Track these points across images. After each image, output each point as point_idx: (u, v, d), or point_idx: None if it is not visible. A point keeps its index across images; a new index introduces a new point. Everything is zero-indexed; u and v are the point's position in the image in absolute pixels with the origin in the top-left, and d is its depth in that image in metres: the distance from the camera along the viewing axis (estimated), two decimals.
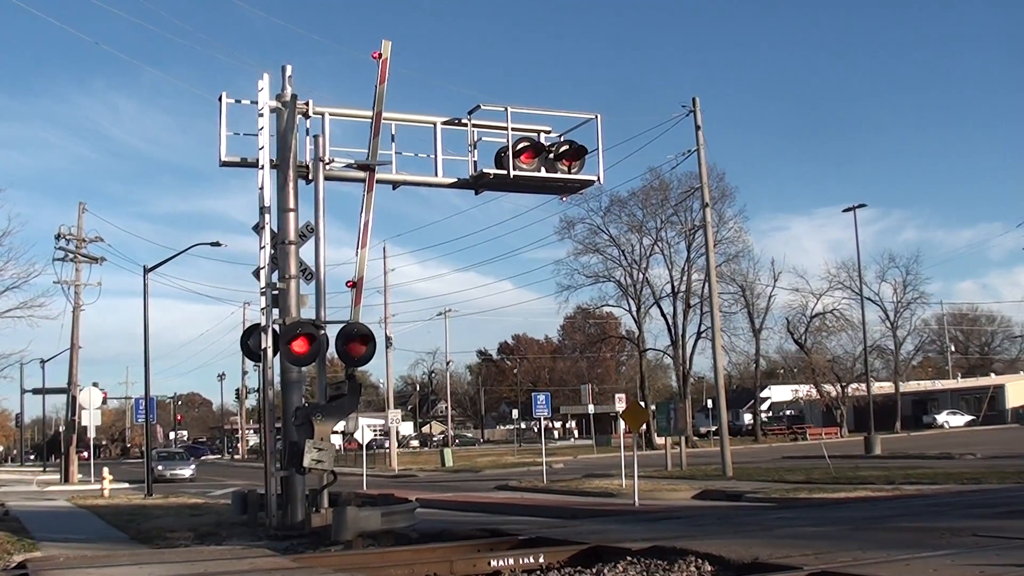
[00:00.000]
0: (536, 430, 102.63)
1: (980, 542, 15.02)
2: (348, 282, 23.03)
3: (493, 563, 15.56)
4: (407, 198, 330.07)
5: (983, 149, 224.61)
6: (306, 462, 20.20)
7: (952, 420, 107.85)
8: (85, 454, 65.67)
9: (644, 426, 40.58)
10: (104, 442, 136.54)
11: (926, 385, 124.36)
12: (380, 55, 22.04)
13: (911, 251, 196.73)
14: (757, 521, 22.39)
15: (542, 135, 24.81)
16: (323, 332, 21.83)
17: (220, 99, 22.78)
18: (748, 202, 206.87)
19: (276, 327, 22.52)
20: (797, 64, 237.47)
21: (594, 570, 14.50)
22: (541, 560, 15.73)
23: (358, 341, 21.76)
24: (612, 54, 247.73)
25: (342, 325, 22.15)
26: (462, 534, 20.49)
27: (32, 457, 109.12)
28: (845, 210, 69.51)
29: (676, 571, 14.03)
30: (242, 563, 16.61)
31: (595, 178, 25.13)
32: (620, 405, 47.16)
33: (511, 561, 15.62)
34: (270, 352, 22.40)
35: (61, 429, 76.93)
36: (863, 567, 12.83)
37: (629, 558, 14.96)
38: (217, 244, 54.08)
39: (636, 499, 30.97)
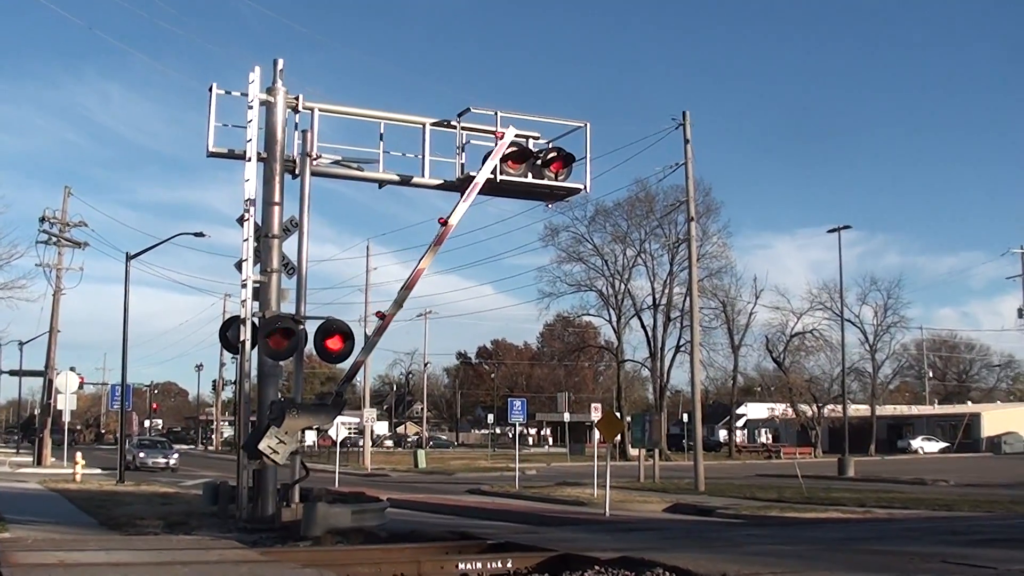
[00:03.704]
0: (511, 436, 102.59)
1: (948, 569, 15.04)
2: (377, 312, 23.02)
3: (461, 566, 15.54)
4: (392, 198, 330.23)
5: (969, 178, 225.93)
6: (262, 445, 20.02)
7: (927, 446, 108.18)
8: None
9: (619, 437, 40.60)
10: (79, 427, 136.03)
11: (902, 410, 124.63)
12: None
13: (893, 275, 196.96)
14: (727, 537, 22.40)
15: (530, 141, 24.73)
16: (302, 327, 21.76)
17: (210, 89, 22.72)
18: (732, 219, 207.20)
19: (255, 320, 22.49)
20: (788, 86, 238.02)
21: None
22: (509, 565, 15.73)
23: (337, 338, 21.71)
24: (602, 66, 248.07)
25: (321, 321, 22.11)
26: (431, 536, 20.46)
27: (18, 438, 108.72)
28: (830, 231, 69.47)
29: None
30: (210, 554, 16.57)
31: (582, 186, 25.06)
32: (595, 415, 47.15)
33: (479, 565, 15.60)
34: (248, 345, 22.35)
35: (37, 412, 76.67)
36: None
37: (597, 567, 14.94)
38: (200, 235, 53.65)
39: (607, 509, 30.98)
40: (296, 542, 19.15)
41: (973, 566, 15.23)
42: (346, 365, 22.71)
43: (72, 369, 62.81)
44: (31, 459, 66.68)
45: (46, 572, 12.93)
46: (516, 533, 21.70)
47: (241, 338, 22.38)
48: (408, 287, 22.63)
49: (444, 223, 22.66)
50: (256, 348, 22.41)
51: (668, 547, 17.86)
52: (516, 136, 24.39)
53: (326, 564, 14.95)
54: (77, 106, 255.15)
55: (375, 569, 15.29)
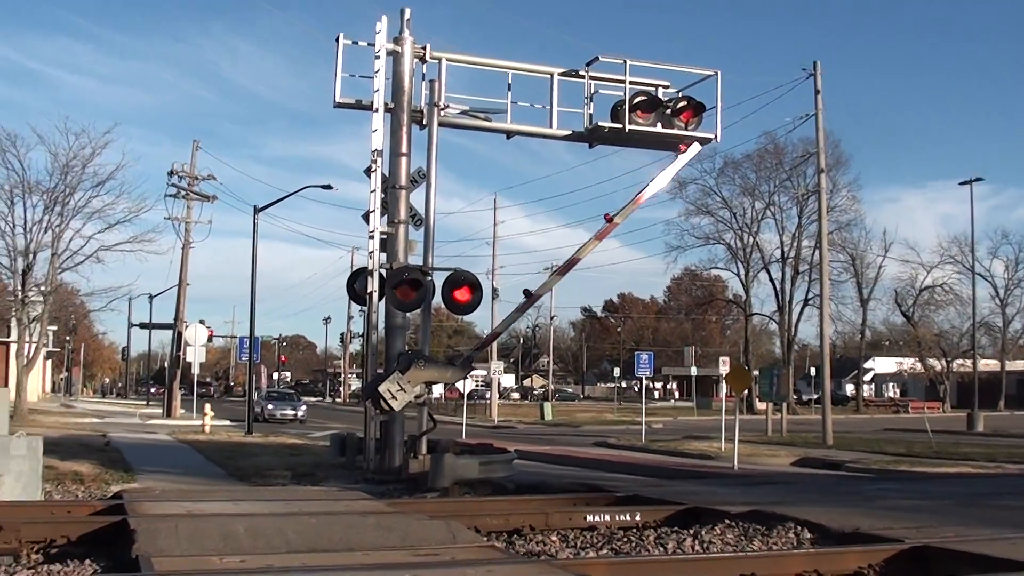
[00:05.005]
0: (637, 389, 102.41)
1: None
2: (525, 291, 23.03)
3: (589, 518, 15.42)
4: (518, 152, 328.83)
5: None
6: (381, 387, 20.03)
7: None
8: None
9: (746, 391, 40.29)
10: (208, 379, 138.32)
11: None
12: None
13: None
14: (856, 491, 22.09)
15: (660, 90, 24.47)
16: (430, 278, 21.78)
17: (337, 40, 22.82)
18: (861, 171, 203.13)
19: (383, 271, 22.55)
20: (917, 38, 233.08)
21: (691, 531, 14.32)
22: (638, 518, 15.58)
23: (465, 289, 21.74)
24: (732, 16, 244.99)
25: (449, 272, 22.13)
26: (559, 488, 20.40)
27: (153, 391, 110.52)
28: (961, 183, 67.89)
29: (775, 536, 13.83)
30: (337, 504, 16.62)
31: (712, 136, 24.63)
32: (724, 368, 46.76)
33: (607, 518, 15.47)
34: (376, 296, 22.45)
35: (166, 364, 77.98)
36: (966, 543, 12.51)
37: (727, 520, 14.78)
38: (328, 187, 53.70)
39: (735, 462, 30.73)
40: (423, 493, 19.24)
41: None
42: (475, 318, 22.97)
43: (201, 322, 63.83)
44: (161, 411, 67.74)
45: (173, 522, 13.00)
46: (644, 486, 21.62)
47: (369, 289, 22.49)
48: (561, 272, 22.70)
49: (610, 220, 22.83)
50: (383, 300, 22.51)
51: (798, 500, 17.62)
52: (645, 85, 24.17)
53: (454, 515, 14.91)
54: (206, 61, 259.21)
55: (503, 520, 15.23)
